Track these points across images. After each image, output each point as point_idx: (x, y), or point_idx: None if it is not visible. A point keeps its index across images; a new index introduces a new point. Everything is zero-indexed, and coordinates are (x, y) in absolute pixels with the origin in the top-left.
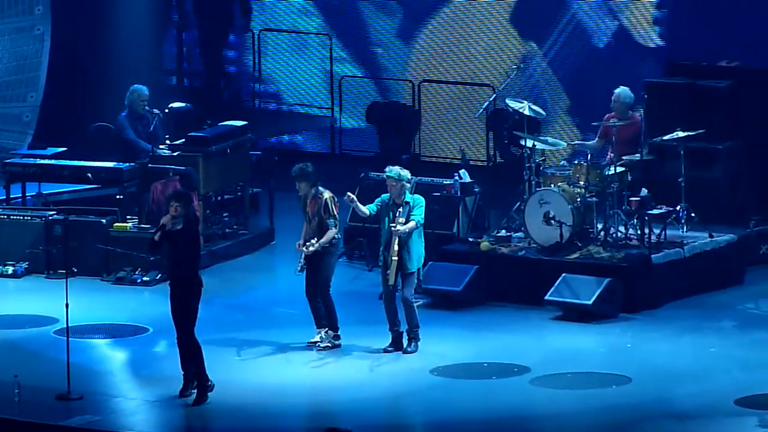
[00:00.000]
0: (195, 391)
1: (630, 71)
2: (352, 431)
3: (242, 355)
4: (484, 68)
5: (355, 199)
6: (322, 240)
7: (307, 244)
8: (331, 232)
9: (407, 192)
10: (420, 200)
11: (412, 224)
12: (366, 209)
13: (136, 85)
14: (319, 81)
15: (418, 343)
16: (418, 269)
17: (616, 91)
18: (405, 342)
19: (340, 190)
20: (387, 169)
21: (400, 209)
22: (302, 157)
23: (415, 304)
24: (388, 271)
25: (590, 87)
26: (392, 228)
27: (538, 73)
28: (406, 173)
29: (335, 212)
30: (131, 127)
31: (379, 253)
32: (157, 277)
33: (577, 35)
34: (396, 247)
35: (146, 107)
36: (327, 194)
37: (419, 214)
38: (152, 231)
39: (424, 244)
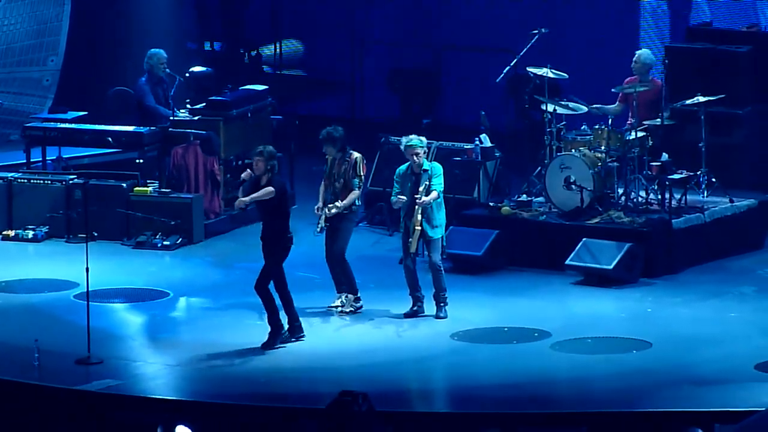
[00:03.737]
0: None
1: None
2: (367, 394)
3: (263, 319)
4: (506, 33)
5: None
6: (346, 201)
7: (330, 205)
8: (355, 194)
9: (424, 159)
10: (438, 168)
11: (434, 194)
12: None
13: (154, 49)
14: (341, 45)
15: (446, 308)
16: (442, 236)
17: (638, 52)
18: (424, 307)
19: (361, 154)
20: (407, 140)
21: (422, 177)
22: (322, 121)
23: (442, 268)
24: (410, 239)
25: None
26: (416, 199)
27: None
28: (424, 139)
29: (362, 174)
30: (151, 93)
31: (401, 221)
32: (178, 242)
33: None
34: (419, 217)
35: (166, 70)
36: (357, 155)
37: (439, 184)
38: (173, 195)
39: (444, 210)
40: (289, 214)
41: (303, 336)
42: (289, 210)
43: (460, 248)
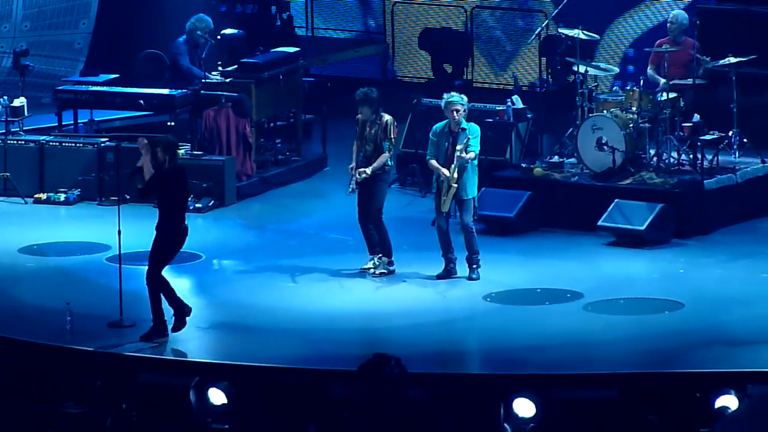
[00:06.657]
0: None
1: None
2: (400, 359)
3: (295, 281)
4: None
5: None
6: (375, 165)
7: (359, 170)
8: (385, 156)
9: (463, 118)
10: (476, 129)
11: (472, 154)
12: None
13: (202, 15)
14: (372, 6)
15: (479, 270)
16: (474, 197)
17: (673, 12)
18: (457, 268)
19: (394, 116)
20: (448, 96)
21: (459, 136)
22: (355, 83)
23: (474, 230)
24: (444, 198)
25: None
26: (456, 155)
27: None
28: (465, 97)
29: (393, 136)
30: (187, 54)
31: (433, 180)
32: (210, 204)
33: None
34: (456, 175)
35: (205, 36)
36: (388, 117)
37: (476, 145)
38: (205, 158)
39: (477, 172)
40: (187, 203)
41: (167, 336)
42: (186, 199)
43: (492, 210)
